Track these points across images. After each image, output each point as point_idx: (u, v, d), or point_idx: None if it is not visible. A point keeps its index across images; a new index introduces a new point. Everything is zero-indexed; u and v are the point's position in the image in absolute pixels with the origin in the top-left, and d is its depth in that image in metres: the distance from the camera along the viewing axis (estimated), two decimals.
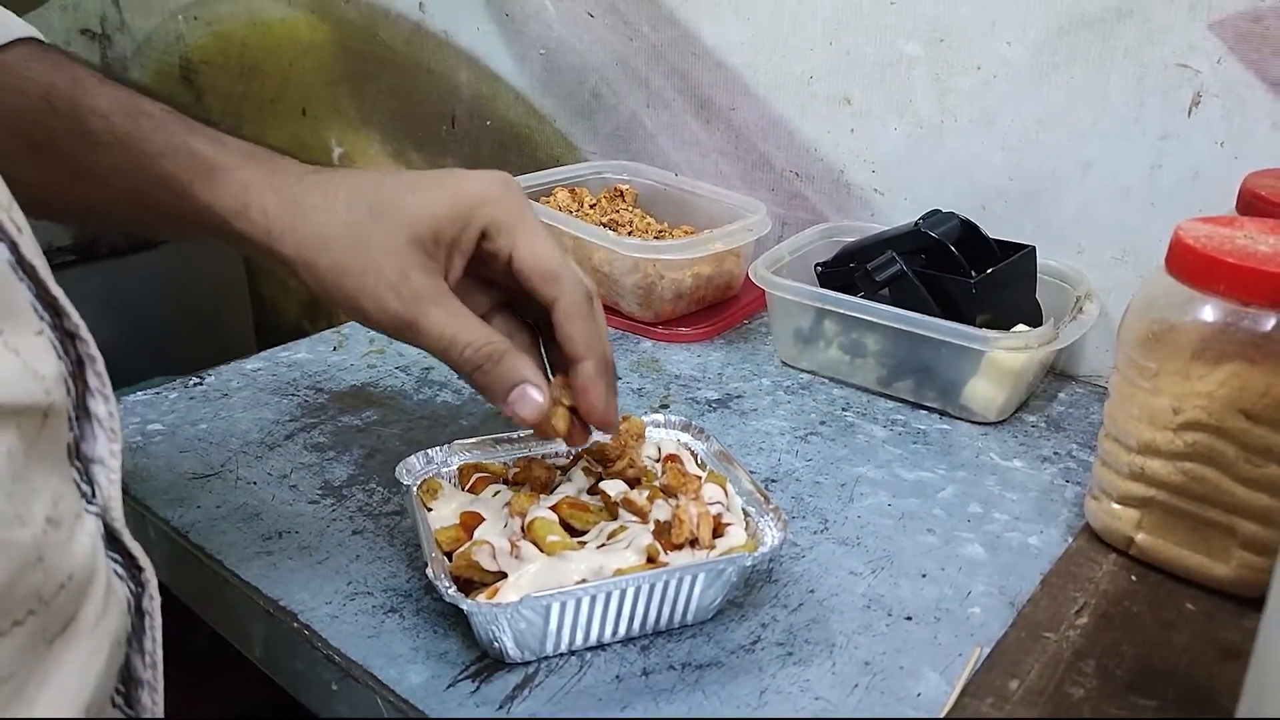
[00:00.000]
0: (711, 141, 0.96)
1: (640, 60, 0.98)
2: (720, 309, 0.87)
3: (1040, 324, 0.73)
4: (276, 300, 1.56)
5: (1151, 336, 0.53)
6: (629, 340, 0.83)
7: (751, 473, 0.55)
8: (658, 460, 0.56)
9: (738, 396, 0.75)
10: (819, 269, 0.79)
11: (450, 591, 0.45)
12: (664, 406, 0.73)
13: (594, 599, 0.47)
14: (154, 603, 0.38)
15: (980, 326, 0.69)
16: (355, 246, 0.46)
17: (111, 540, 0.37)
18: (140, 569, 0.38)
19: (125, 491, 0.61)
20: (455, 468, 0.56)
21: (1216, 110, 0.69)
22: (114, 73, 1.85)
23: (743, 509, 0.52)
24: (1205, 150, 0.70)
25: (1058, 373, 0.79)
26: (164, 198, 0.47)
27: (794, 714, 0.45)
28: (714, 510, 0.51)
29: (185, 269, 1.24)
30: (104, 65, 1.67)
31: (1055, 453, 0.68)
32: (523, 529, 0.50)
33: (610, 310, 0.86)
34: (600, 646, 0.49)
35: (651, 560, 0.48)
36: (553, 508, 0.51)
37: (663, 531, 0.49)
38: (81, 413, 0.36)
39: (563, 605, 0.46)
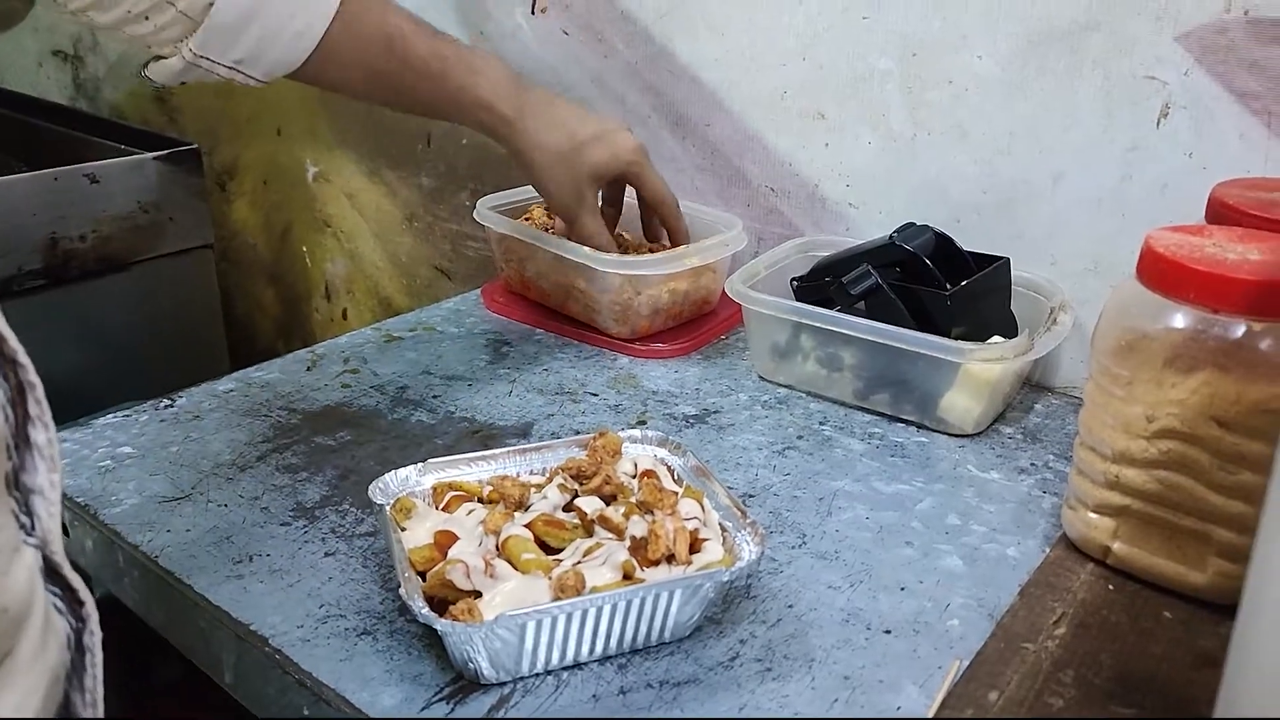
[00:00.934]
0: (687, 157, 0.96)
1: (616, 77, 0.98)
2: (697, 324, 0.87)
3: (1015, 335, 0.73)
4: (251, 321, 1.55)
5: (1124, 345, 0.53)
6: (606, 357, 0.83)
7: (729, 488, 0.55)
8: (634, 476, 0.56)
9: (715, 412, 0.74)
10: (795, 283, 0.79)
11: (424, 612, 0.45)
12: (641, 423, 0.72)
13: (570, 617, 0.46)
14: (94, 638, 0.37)
15: (956, 339, 0.69)
16: (561, 161, 0.76)
17: (51, 573, 0.36)
18: (81, 603, 0.37)
19: (94, 517, 0.60)
20: (429, 486, 0.56)
21: (1185, 121, 0.70)
22: (87, 94, 1.82)
23: (720, 524, 0.52)
24: (1174, 161, 0.71)
25: (1033, 384, 0.80)
26: (451, 115, 0.76)
27: None
28: (691, 526, 0.50)
29: (157, 291, 1.23)
30: (76, 86, 1.66)
31: (1032, 464, 0.68)
32: (497, 547, 0.49)
33: (587, 327, 0.86)
34: (577, 665, 0.48)
35: (628, 577, 0.47)
36: (528, 525, 0.50)
37: (639, 548, 0.48)
38: (21, 441, 0.35)
39: (538, 624, 0.46)
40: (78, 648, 0.37)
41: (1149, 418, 0.52)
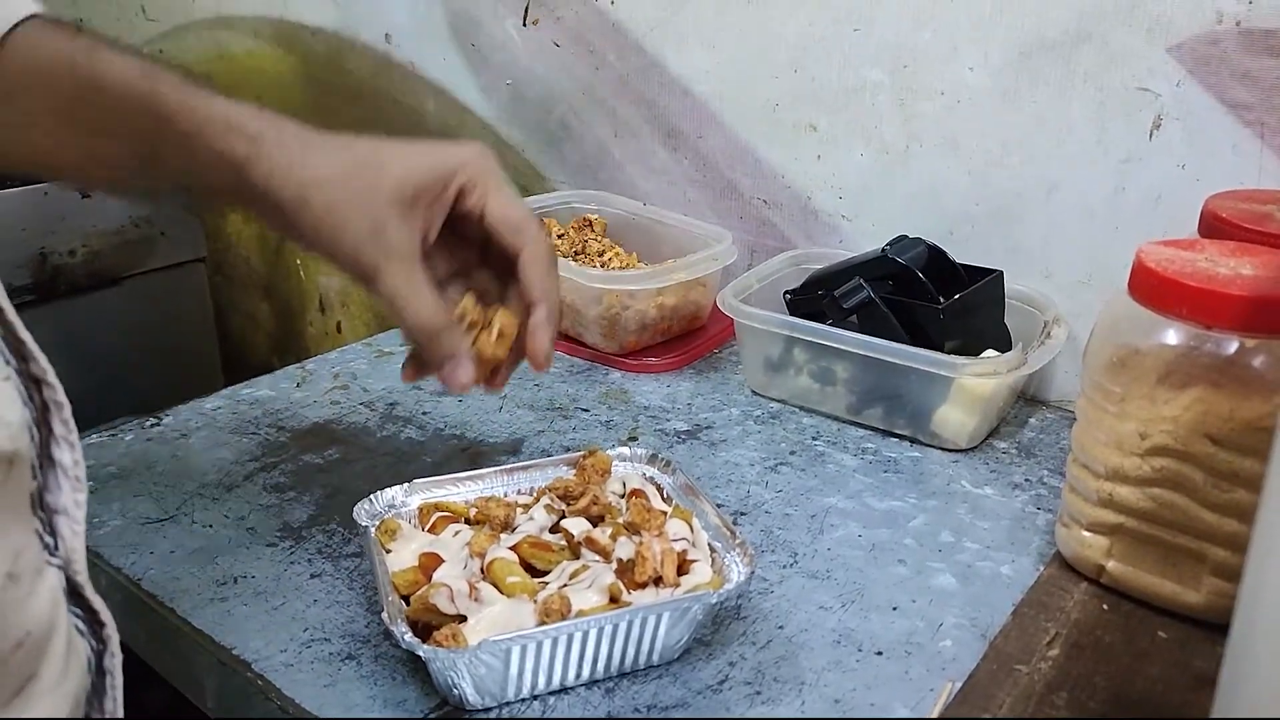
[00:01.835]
0: (679, 170, 0.96)
1: (607, 89, 0.98)
2: (689, 338, 0.87)
3: (1009, 349, 0.73)
4: (245, 335, 1.54)
5: (1117, 361, 0.52)
6: (597, 371, 0.83)
7: (719, 506, 0.54)
8: (623, 496, 0.55)
9: (707, 427, 0.74)
10: (788, 296, 0.79)
11: (407, 637, 0.44)
12: (632, 439, 0.72)
13: (555, 641, 0.45)
14: (115, 660, 0.37)
15: (949, 353, 0.69)
16: (347, 192, 0.49)
17: (73, 594, 0.36)
18: (102, 624, 0.37)
19: None
20: (415, 507, 0.55)
21: (1177, 133, 0.69)
22: None
23: (709, 544, 0.51)
24: (1167, 172, 0.70)
25: (1028, 398, 0.79)
26: (175, 153, 0.49)
27: None
28: (679, 547, 0.50)
29: (149, 306, 1.22)
30: None
31: (1026, 479, 0.67)
32: (482, 570, 0.49)
33: (575, 342, 0.85)
34: (563, 690, 0.48)
35: (614, 600, 0.47)
36: (513, 547, 0.50)
37: (625, 570, 0.48)
38: (46, 460, 0.35)
39: (523, 649, 0.45)
40: (98, 670, 0.37)
41: (1142, 434, 0.51)
